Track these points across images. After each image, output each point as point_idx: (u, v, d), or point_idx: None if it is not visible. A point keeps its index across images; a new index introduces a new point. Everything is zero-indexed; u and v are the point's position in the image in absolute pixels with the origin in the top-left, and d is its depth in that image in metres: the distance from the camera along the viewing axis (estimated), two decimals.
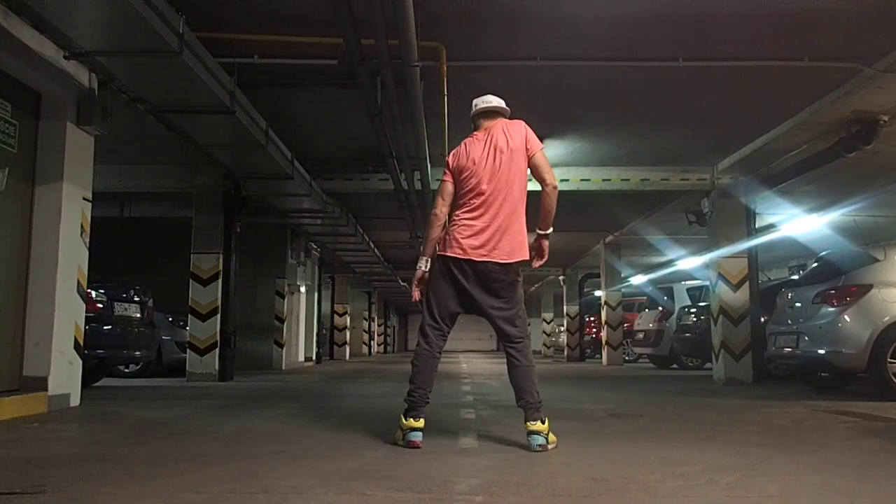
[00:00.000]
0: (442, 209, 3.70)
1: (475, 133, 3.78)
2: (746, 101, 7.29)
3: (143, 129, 6.98)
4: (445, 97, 6.23)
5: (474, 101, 3.85)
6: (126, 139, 7.49)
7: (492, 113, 3.80)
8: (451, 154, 3.78)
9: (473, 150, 3.67)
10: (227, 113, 6.13)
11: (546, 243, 3.75)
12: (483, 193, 3.57)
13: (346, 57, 5.56)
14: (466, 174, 3.64)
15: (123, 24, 4.54)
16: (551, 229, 3.73)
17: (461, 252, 3.54)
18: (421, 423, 3.54)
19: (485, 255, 3.52)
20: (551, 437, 3.53)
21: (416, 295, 3.77)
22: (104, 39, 4.89)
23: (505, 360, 3.66)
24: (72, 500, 2.42)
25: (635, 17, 5.44)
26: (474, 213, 3.57)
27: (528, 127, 3.70)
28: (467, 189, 3.63)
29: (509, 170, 3.58)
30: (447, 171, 3.75)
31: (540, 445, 3.44)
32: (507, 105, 3.84)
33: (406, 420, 3.54)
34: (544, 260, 3.78)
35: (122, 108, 6.04)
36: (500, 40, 5.92)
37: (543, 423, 3.49)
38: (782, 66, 6.27)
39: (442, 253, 3.63)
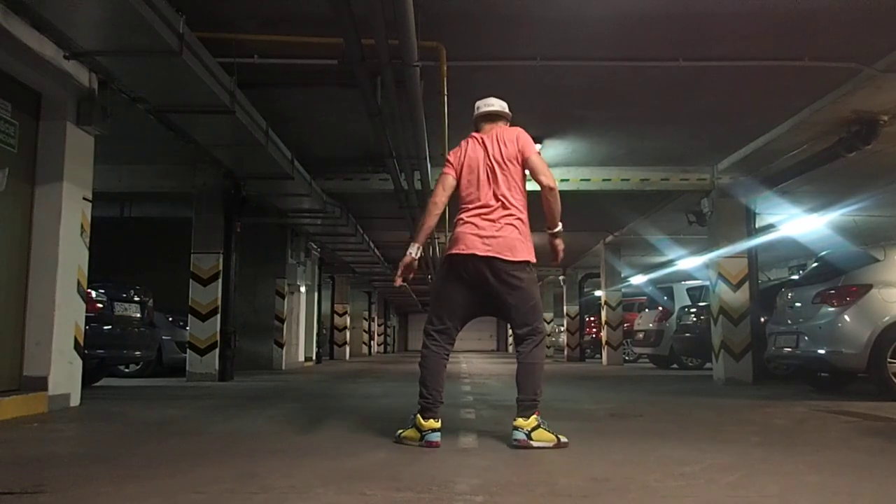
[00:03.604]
0: (441, 198, 3.70)
1: (475, 134, 3.83)
2: (746, 101, 7.29)
3: (143, 129, 6.97)
4: (445, 97, 6.23)
5: (476, 104, 3.90)
6: (126, 139, 7.48)
7: (494, 116, 3.85)
8: (453, 151, 3.83)
9: (472, 151, 3.73)
10: (227, 113, 6.13)
11: (557, 241, 3.81)
12: (481, 197, 3.61)
13: (346, 57, 5.56)
14: (465, 174, 3.69)
15: (123, 24, 4.54)
16: (560, 226, 3.77)
17: (465, 248, 3.55)
18: (438, 423, 3.55)
19: (489, 251, 3.51)
20: (545, 435, 3.49)
21: (398, 280, 3.79)
22: (104, 39, 4.89)
23: (509, 358, 3.67)
24: (72, 500, 2.42)
25: (635, 17, 5.44)
26: (476, 213, 3.60)
27: (522, 132, 3.73)
28: (466, 191, 3.67)
29: (506, 176, 3.62)
30: (449, 164, 3.78)
31: (517, 440, 3.44)
32: (508, 106, 3.86)
33: (425, 421, 3.54)
34: (559, 258, 3.83)
35: (122, 108, 6.04)
36: (500, 40, 5.92)
37: (527, 419, 3.47)
38: (782, 66, 6.27)
39: (448, 252, 3.65)
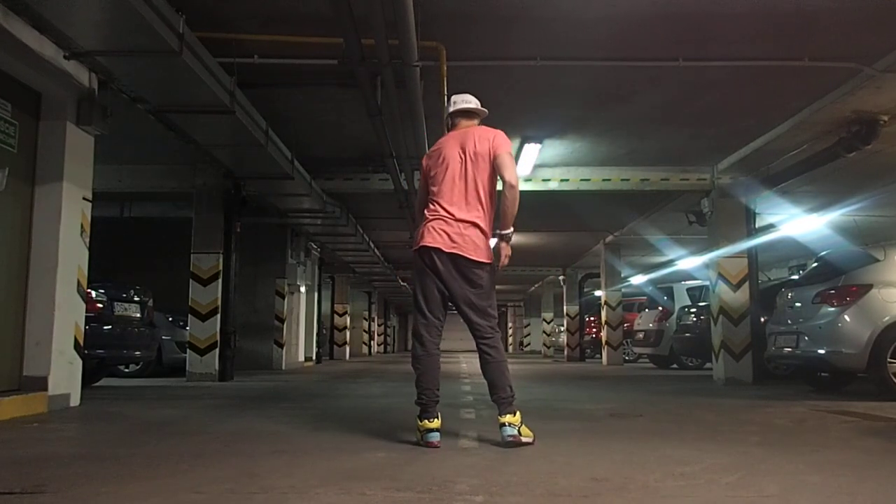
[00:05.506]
0: (420, 201, 3.92)
1: (451, 132, 3.90)
2: (746, 101, 7.29)
3: (143, 129, 6.97)
4: (445, 97, 6.22)
5: (453, 99, 3.95)
6: (126, 139, 7.49)
7: (471, 113, 3.91)
8: (426, 156, 3.95)
9: (449, 150, 3.77)
10: (227, 113, 6.13)
11: (503, 245, 3.80)
12: (453, 196, 3.68)
13: (346, 57, 5.55)
14: (437, 169, 3.77)
15: (123, 24, 4.54)
16: (511, 230, 3.76)
17: (432, 241, 3.63)
18: (436, 423, 3.57)
19: (454, 248, 3.60)
20: (525, 431, 3.57)
21: None
22: (104, 39, 4.89)
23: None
24: (72, 500, 2.42)
25: (635, 17, 5.44)
26: (446, 211, 3.67)
27: (501, 132, 3.78)
28: (438, 186, 3.74)
29: (477, 177, 3.69)
30: (423, 169, 3.94)
31: (511, 436, 3.49)
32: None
33: (421, 422, 3.58)
34: (503, 263, 3.81)
35: (122, 108, 6.04)
36: (500, 40, 5.92)
37: (514, 415, 3.55)
38: (782, 66, 6.27)
39: (416, 246, 3.72)
